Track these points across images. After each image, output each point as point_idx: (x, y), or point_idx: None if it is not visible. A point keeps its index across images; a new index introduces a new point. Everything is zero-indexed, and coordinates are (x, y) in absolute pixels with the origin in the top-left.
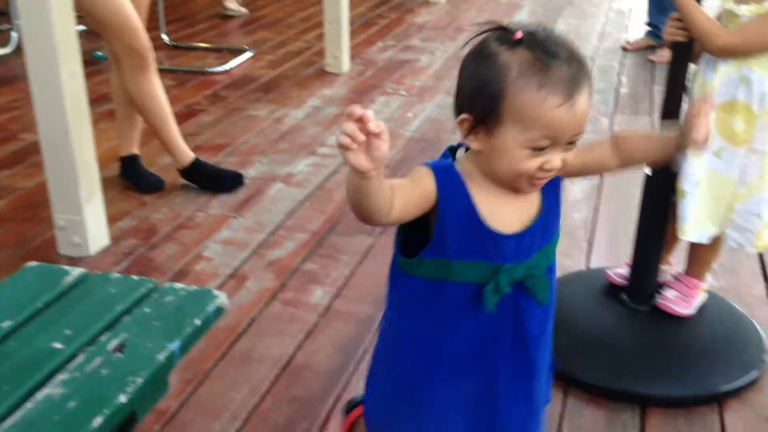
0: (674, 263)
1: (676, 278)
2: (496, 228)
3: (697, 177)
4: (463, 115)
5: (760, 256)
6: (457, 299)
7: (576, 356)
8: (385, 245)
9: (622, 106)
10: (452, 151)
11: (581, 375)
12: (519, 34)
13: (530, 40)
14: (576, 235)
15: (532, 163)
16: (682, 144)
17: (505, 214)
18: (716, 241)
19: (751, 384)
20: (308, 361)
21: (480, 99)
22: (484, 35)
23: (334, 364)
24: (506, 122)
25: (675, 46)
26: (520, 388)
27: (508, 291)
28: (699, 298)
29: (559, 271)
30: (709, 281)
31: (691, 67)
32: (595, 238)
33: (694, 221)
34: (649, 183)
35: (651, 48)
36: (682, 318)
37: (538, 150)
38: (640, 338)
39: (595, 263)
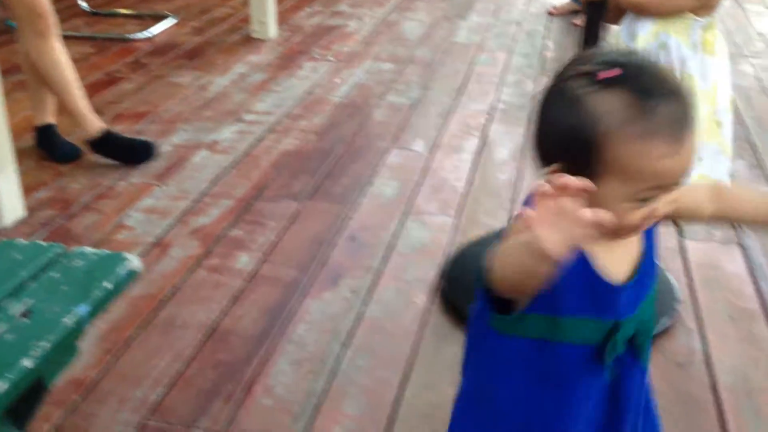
0: None
1: None
2: (610, 278)
3: None
4: (553, 166)
5: None
6: (567, 361)
7: None
8: (312, 210)
9: (547, 70)
10: None
11: None
12: (610, 72)
13: (623, 77)
14: (501, 195)
15: (638, 215)
16: None
17: (614, 260)
18: None
19: (664, 332)
20: (234, 326)
21: (570, 150)
22: (563, 70)
23: (260, 328)
24: (604, 175)
25: (589, 6)
26: None
27: (622, 350)
28: None
29: (484, 231)
30: None
31: (615, 29)
32: (519, 197)
33: None
34: None
35: (575, 12)
36: None
37: (644, 201)
38: None
39: None
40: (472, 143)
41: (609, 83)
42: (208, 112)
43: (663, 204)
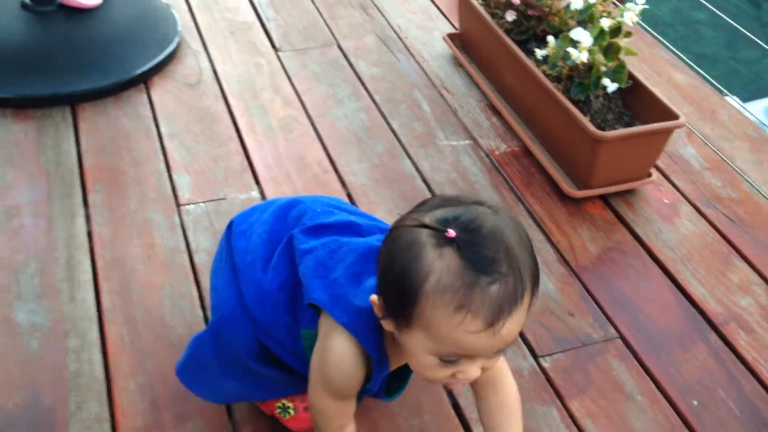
0: None
1: None
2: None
3: None
4: (375, 297)
5: None
6: None
7: None
8: None
9: None
10: None
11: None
12: (451, 232)
13: (464, 240)
14: None
15: (442, 373)
16: None
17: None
18: None
19: (169, 57)
20: None
21: (393, 293)
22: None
23: None
24: (415, 327)
25: None
26: None
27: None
28: None
29: None
30: None
31: None
32: None
33: None
34: None
35: None
36: (92, 10)
37: (448, 362)
38: (53, 40)
39: None
40: None
41: (449, 242)
42: None
43: (472, 369)
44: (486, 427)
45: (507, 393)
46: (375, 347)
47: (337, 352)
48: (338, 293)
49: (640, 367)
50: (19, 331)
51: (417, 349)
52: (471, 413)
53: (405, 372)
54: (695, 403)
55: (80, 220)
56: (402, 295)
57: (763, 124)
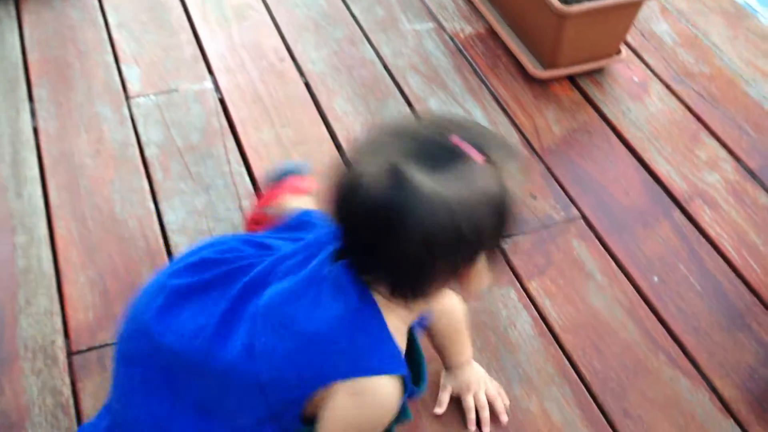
0: None
1: None
2: None
3: None
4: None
5: None
6: None
7: None
8: None
9: None
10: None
11: None
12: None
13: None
14: None
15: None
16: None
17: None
18: None
19: None
20: None
21: (489, 228)
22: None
23: None
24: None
25: None
26: None
27: None
28: None
29: None
30: None
31: None
32: None
33: None
34: None
35: None
36: None
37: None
38: None
39: None
40: None
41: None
42: None
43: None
44: (440, 345)
45: (458, 314)
46: (405, 366)
47: (381, 400)
48: (345, 348)
49: (601, 247)
50: None
51: (481, 273)
52: None
53: (416, 359)
54: (655, 279)
55: (25, 116)
56: (503, 216)
57: (754, 10)
